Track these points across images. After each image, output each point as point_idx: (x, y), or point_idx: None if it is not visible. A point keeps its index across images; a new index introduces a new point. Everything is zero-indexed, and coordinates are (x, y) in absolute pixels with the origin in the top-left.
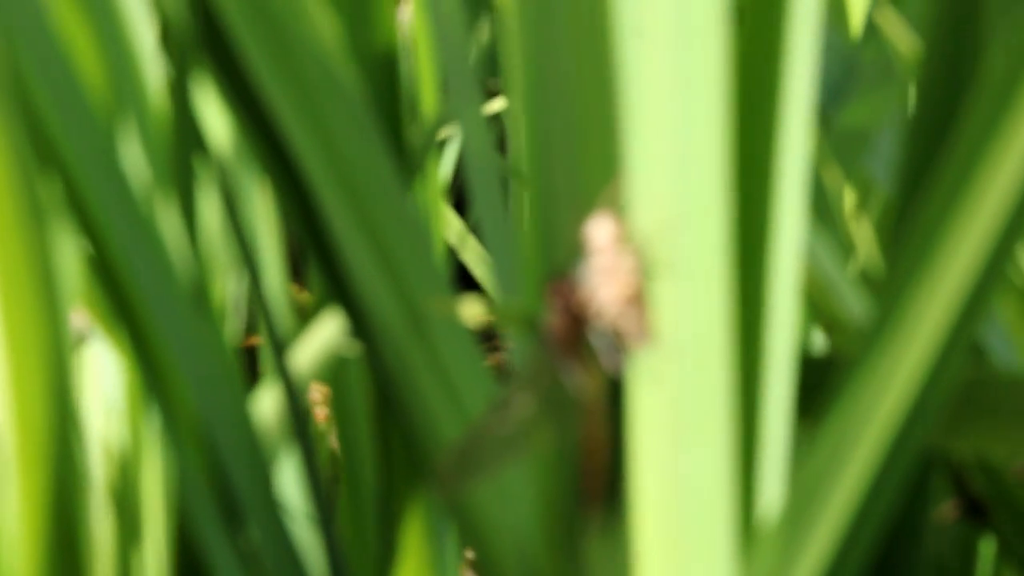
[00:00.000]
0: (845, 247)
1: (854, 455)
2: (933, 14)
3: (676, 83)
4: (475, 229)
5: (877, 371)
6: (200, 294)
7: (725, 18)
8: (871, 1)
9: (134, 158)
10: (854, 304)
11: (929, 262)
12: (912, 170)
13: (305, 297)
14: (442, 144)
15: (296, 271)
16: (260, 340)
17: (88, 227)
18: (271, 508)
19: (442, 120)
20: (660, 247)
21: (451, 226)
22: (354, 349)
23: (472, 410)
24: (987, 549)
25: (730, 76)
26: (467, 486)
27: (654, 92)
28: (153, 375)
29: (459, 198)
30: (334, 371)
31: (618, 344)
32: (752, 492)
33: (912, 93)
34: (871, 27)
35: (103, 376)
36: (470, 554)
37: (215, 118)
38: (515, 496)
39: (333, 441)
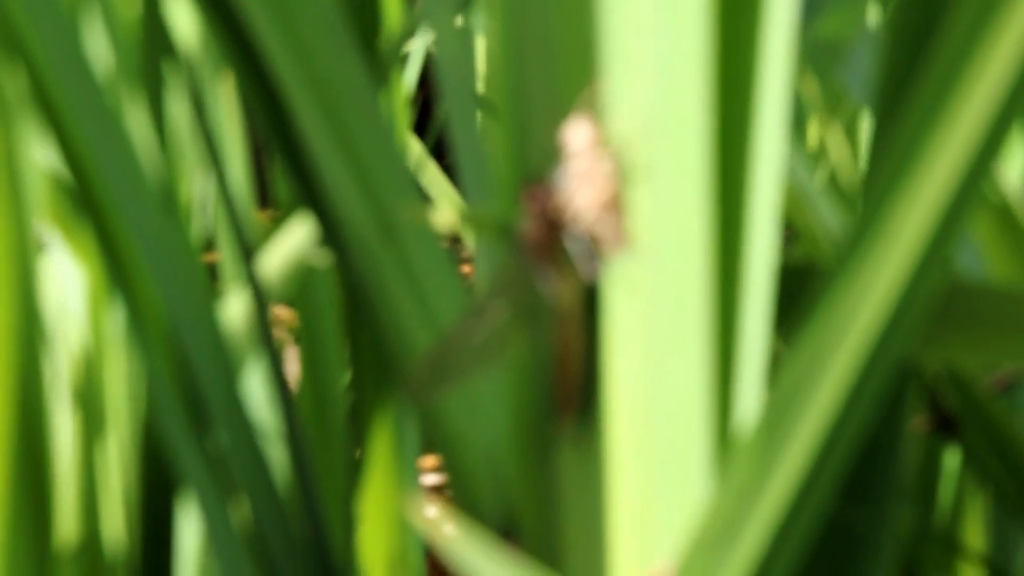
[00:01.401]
0: (816, 156)
1: (831, 366)
2: None
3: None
4: (434, 149)
5: (855, 282)
6: (167, 195)
7: None
8: None
9: (101, 55)
10: (826, 213)
11: (909, 172)
12: (889, 81)
13: (265, 217)
14: (404, 58)
15: (260, 186)
16: (221, 253)
17: (54, 124)
18: (238, 413)
19: (412, 26)
20: (638, 152)
21: (411, 147)
22: (322, 257)
23: (443, 318)
24: (951, 461)
25: None
26: (438, 394)
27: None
28: (119, 277)
29: (418, 119)
30: (300, 280)
31: (594, 250)
32: (728, 402)
33: (886, 2)
34: None
35: (65, 282)
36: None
37: (183, 17)
38: (486, 405)
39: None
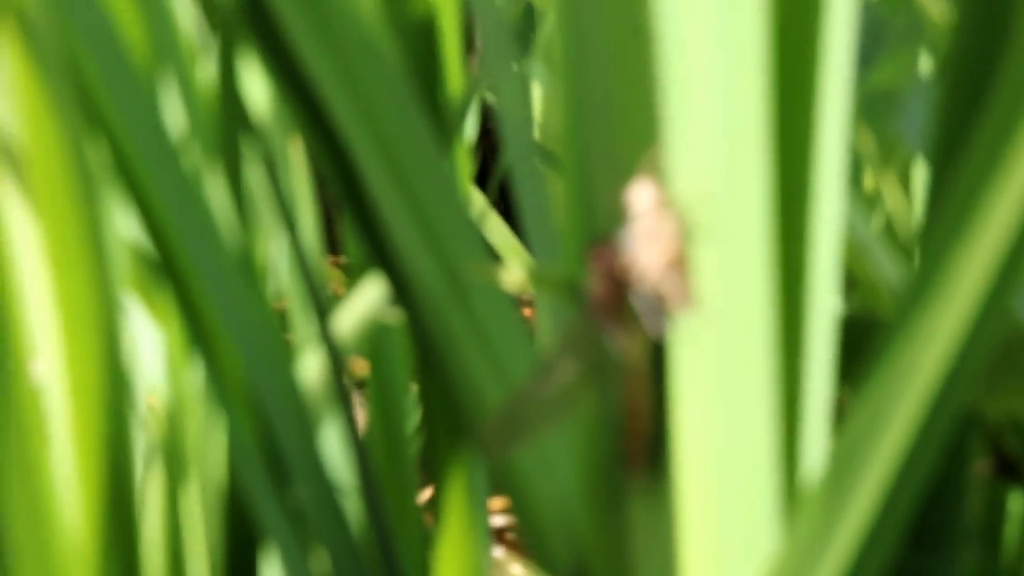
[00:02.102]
0: (871, 204)
1: (895, 415)
2: None
3: (717, 45)
4: (495, 201)
5: (917, 332)
6: (245, 258)
7: None
8: None
9: (178, 123)
10: (883, 262)
11: (968, 222)
12: (944, 129)
13: (336, 272)
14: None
15: (330, 243)
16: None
17: (134, 193)
18: (316, 468)
19: (474, 82)
20: (701, 211)
21: (473, 198)
22: (394, 315)
23: (514, 375)
24: (1016, 505)
25: (770, 40)
26: (510, 451)
27: (695, 55)
28: (199, 337)
29: (480, 168)
30: (374, 338)
31: (660, 308)
32: (795, 455)
33: (939, 53)
34: None
35: (146, 345)
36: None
37: (256, 86)
38: (557, 461)
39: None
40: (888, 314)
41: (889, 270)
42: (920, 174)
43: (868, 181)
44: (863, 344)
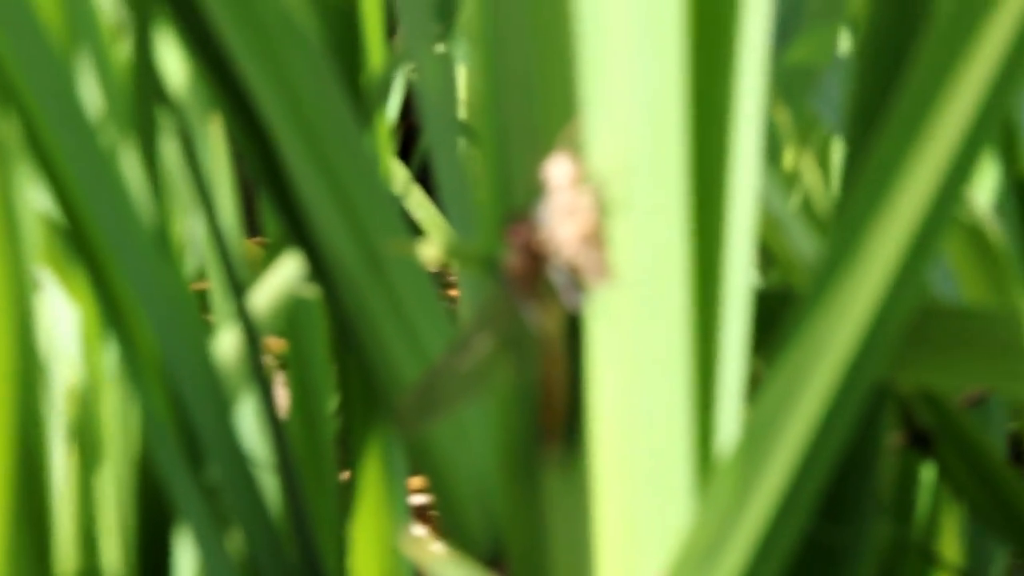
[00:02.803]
0: (790, 182)
1: (808, 389)
2: None
3: (635, 20)
4: (418, 176)
5: (831, 305)
6: (160, 234)
7: None
8: None
9: (92, 99)
10: (800, 238)
11: (881, 197)
12: (860, 107)
13: (255, 250)
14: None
15: (251, 223)
16: (212, 287)
17: (48, 168)
18: (231, 444)
19: (396, 63)
20: (618, 186)
21: (396, 174)
22: (311, 292)
23: (430, 350)
24: (928, 476)
25: (688, 16)
26: (426, 424)
27: (613, 30)
28: (113, 314)
29: (403, 144)
30: (289, 312)
31: (576, 282)
32: (709, 427)
33: (857, 31)
34: None
35: (60, 321)
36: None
37: (172, 60)
38: (473, 433)
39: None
40: (804, 289)
41: (806, 246)
42: (838, 153)
43: (787, 159)
44: (779, 318)
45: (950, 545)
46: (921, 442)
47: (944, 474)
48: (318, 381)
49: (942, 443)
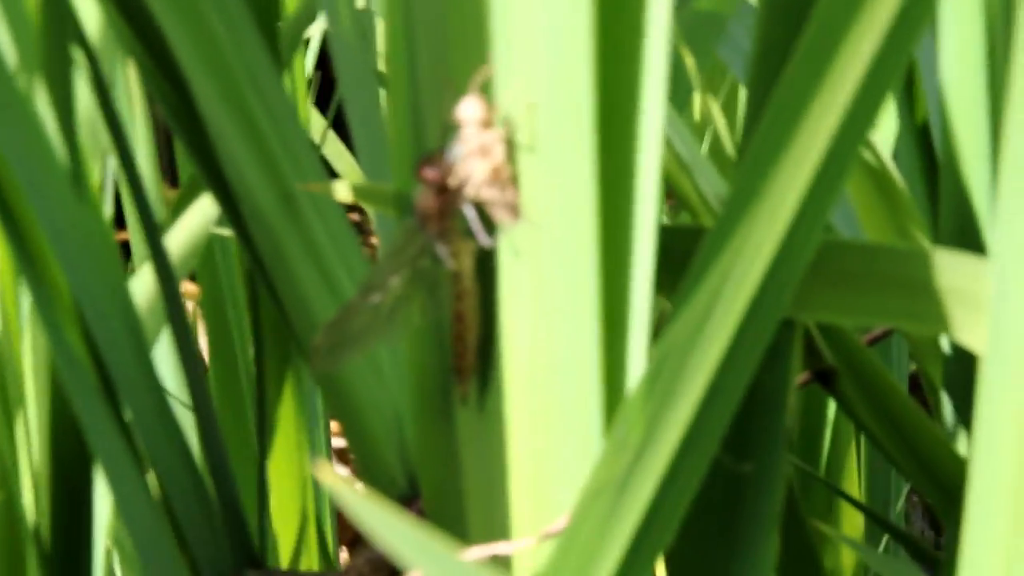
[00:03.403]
0: (698, 129)
1: (714, 323)
2: None
3: None
4: (335, 127)
5: (737, 241)
6: (76, 178)
7: None
8: None
9: (4, 41)
10: (709, 181)
11: (788, 134)
12: (764, 53)
13: (171, 195)
14: (305, 41)
15: (166, 167)
16: (129, 233)
17: None
18: (149, 386)
19: (311, 9)
20: (527, 125)
21: (313, 122)
22: (225, 232)
23: (345, 290)
24: (831, 413)
25: None
26: (341, 363)
27: None
28: (28, 259)
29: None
30: (205, 255)
31: (487, 220)
32: (617, 363)
33: None
34: None
35: None
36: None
37: (86, 3)
38: (387, 372)
39: (203, 329)
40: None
41: (715, 188)
42: (744, 101)
43: (695, 107)
44: (686, 257)
45: (852, 481)
46: (824, 378)
47: (847, 410)
48: (234, 323)
49: (845, 379)
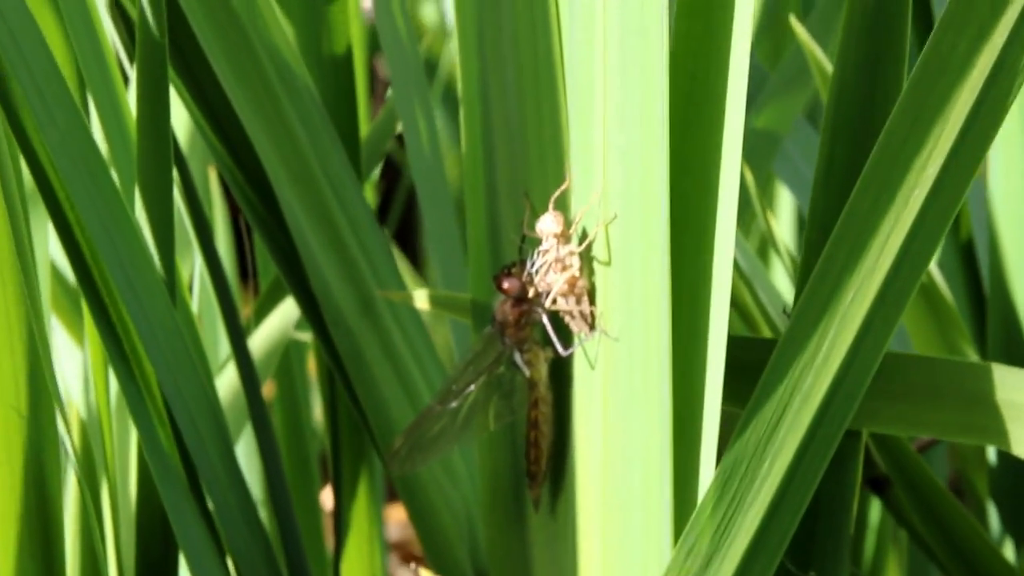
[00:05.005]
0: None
1: (782, 434)
2: (849, 29)
3: (620, 78)
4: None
5: (806, 354)
6: (170, 281)
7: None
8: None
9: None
10: (766, 290)
11: (859, 251)
12: (829, 169)
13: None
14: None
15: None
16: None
17: (63, 212)
18: (234, 480)
19: (390, 123)
20: (603, 240)
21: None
22: (302, 336)
23: (420, 391)
24: (874, 517)
25: (669, 78)
26: (418, 466)
27: (598, 93)
28: (121, 355)
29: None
30: (281, 360)
31: (563, 330)
32: (688, 471)
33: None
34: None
35: (65, 363)
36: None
37: (177, 114)
38: (461, 475)
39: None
40: (768, 337)
41: (771, 297)
42: (783, 201)
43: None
44: (748, 366)
45: None
46: (877, 486)
47: (898, 517)
48: (304, 422)
49: (897, 487)
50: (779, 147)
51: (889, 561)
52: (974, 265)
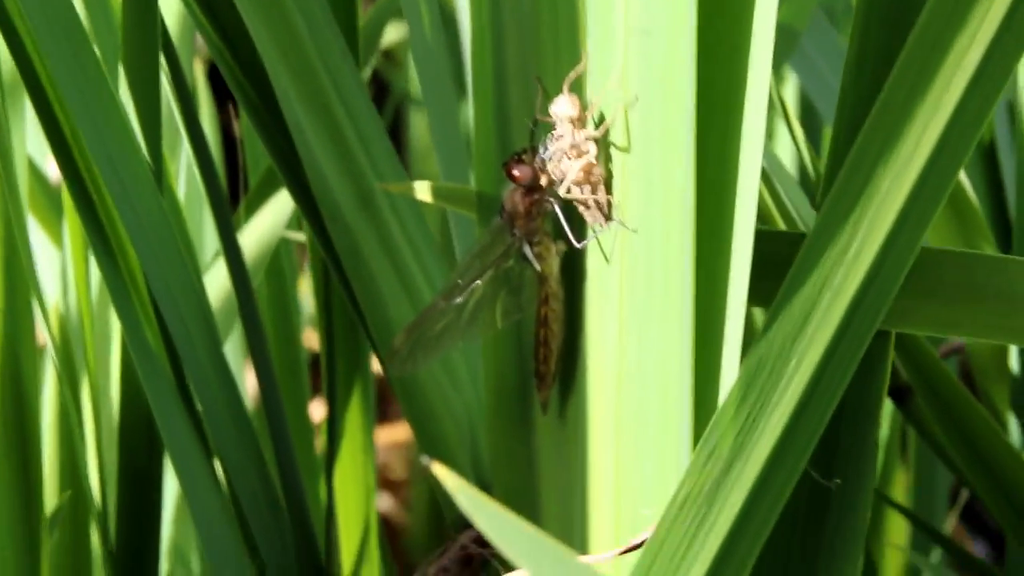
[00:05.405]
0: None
1: (810, 334)
2: None
3: None
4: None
5: (836, 248)
6: (158, 175)
7: None
8: None
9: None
10: (792, 196)
11: (895, 133)
12: (861, 58)
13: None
14: None
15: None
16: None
17: (49, 102)
18: (221, 382)
19: (387, 12)
20: (622, 125)
21: None
22: (295, 235)
23: (421, 290)
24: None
25: None
26: (419, 366)
27: None
28: (107, 252)
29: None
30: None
31: (578, 220)
32: (709, 371)
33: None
34: None
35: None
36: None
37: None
38: (463, 376)
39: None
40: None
41: (795, 200)
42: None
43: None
44: (773, 265)
45: (899, 491)
46: (898, 395)
47: (919, 428)
48: (294, 326)
49: (918, 395)
50: (797, 42)
51: (896, 476)
52: (996, 167)
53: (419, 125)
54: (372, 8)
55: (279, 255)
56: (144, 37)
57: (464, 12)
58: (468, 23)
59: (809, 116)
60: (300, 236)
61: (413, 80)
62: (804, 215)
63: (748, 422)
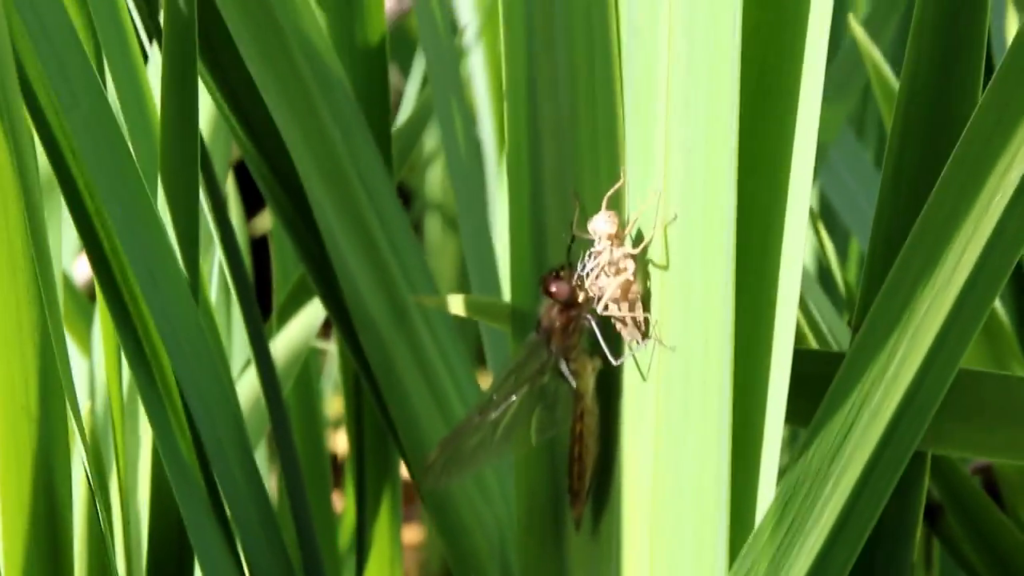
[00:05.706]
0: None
1: (847, 455)
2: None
3: (684, 73)
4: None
5: (875, 369)
6: (193, 283)
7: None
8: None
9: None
10: (818, 303)
11: (935, 255)
12: (898, 176)
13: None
14: None
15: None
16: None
17: (84, 209)
18: (252, 491)
19: (423, 119)
20: (663, 245)
21: None
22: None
23: (453, 403)
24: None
25: (736, 77)
26: (453, 480)
27: (660, 85)
28: (140, 359)
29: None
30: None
31: (615, 338)
32: (746, 492)
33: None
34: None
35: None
36: None
37: (203, 104)
38: (494, 492)
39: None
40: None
41: (828, 318)
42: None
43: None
44: (810, 385)
45: None
46: (929, 515)
47: (950, 547)
48: (320, 434)
49: (949, 513)
50: (826, 156)
51: None
52: None
53: (433, 228)
54: (400, 115)
55: (308, 366)
56: (183, 139)
57: (486, 120)
58: (490, 130)
59: (828, 217)
60: (328, 345)
61: (429, 183)
62: (834, 328)
63: (784, 544)
